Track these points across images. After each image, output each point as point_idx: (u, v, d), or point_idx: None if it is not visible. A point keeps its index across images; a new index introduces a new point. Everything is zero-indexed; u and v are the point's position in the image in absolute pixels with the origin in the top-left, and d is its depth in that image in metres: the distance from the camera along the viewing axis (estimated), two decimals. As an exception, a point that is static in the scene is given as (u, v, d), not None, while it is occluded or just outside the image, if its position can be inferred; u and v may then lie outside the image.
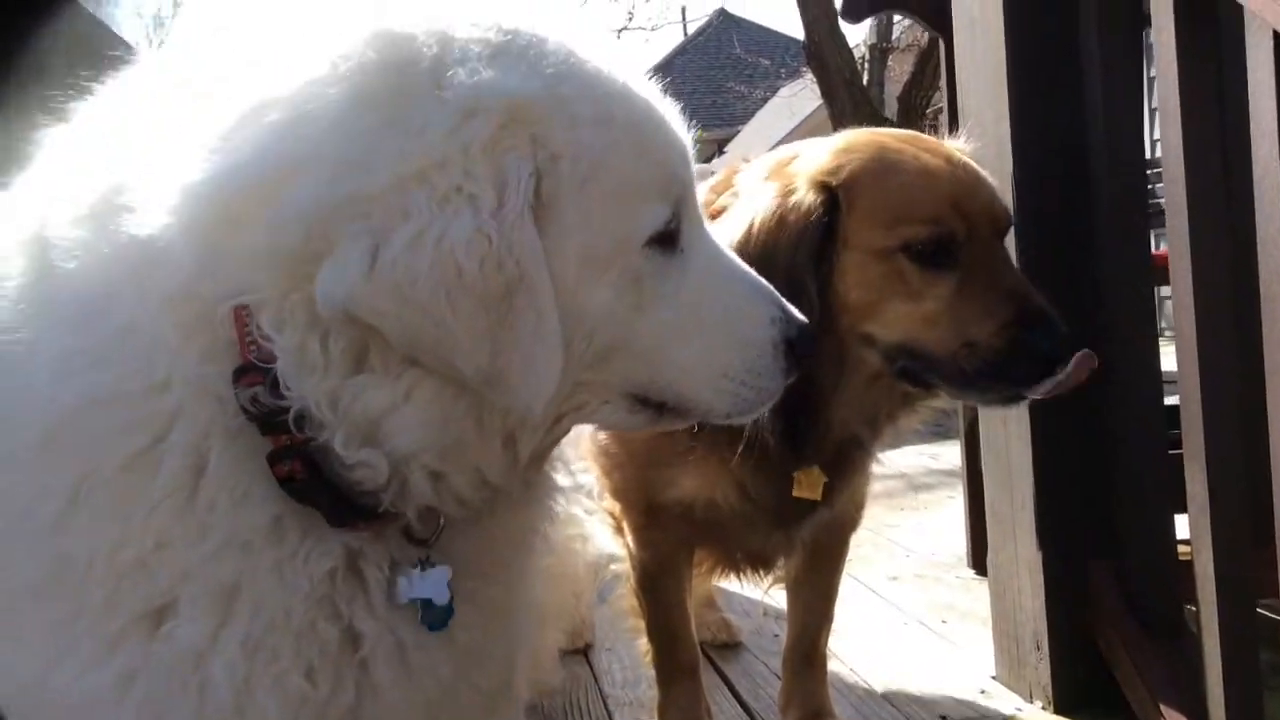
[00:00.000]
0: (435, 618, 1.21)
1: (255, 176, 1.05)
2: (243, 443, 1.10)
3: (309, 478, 1.11)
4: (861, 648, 2.87)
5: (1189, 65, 1.84)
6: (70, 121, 1.24)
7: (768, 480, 1.94)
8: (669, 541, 2.14)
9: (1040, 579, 2.35)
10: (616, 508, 2.20)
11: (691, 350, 1.24)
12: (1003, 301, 1.76)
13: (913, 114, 11.38)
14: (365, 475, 1.12)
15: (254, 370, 1.07)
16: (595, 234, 1.15)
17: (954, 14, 2.59)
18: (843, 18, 5.92)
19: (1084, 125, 2.27)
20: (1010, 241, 2.20)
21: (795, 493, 1.93)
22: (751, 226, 1.81)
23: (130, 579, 1.09)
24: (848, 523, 2.25)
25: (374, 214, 1.03)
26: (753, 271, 1.35)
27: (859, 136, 1.94)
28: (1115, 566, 2.27)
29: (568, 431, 1.30)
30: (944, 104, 3.47)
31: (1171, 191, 1.87)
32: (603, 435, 2.07)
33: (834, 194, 1.81)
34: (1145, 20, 2.02)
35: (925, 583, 3.51)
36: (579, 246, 1.13)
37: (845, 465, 1.99)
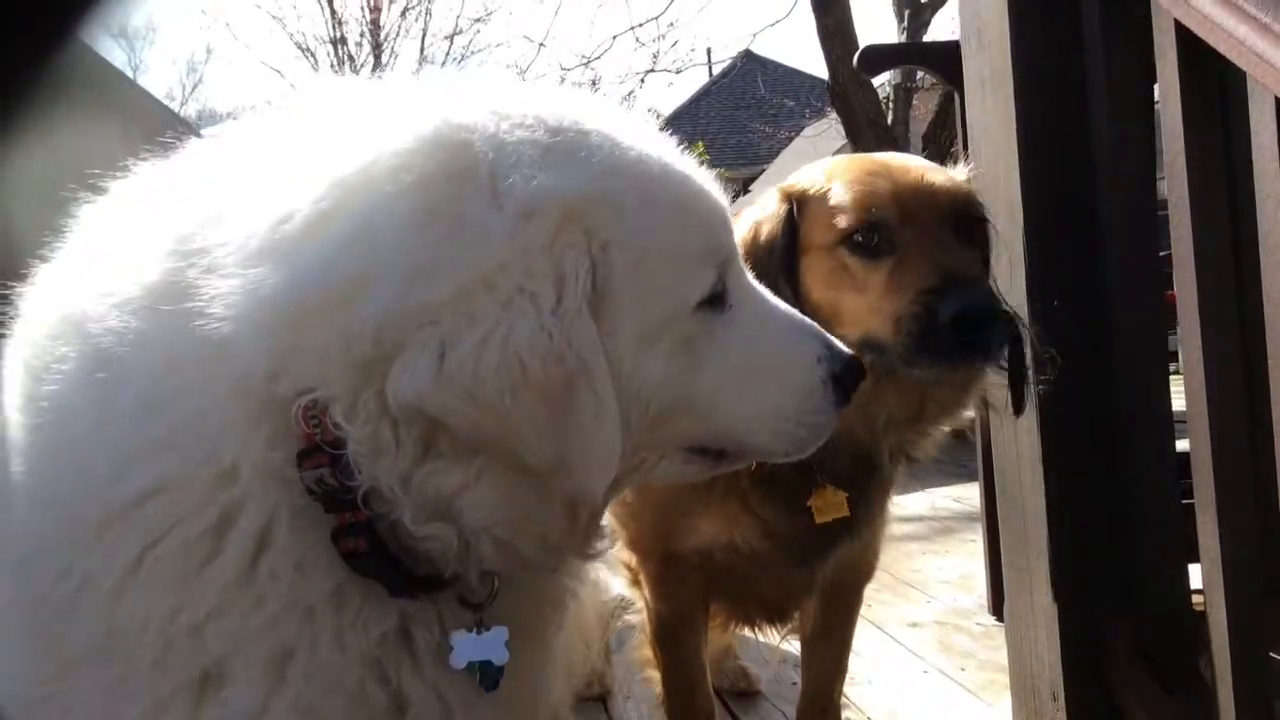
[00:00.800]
0: (492, 678, 1.24)
1: (328, 288, 1.09)
2: (306, 518, 1.14)
3: (371, 550, 1.15)
4: (879, 696, 2.88)
5: (1195, 128, 1.86)
6: (110, 199, 1.28)
7: (785, 511, 1.96)
8: (686, 593, 2.15)
9: (1056, 629, 2.35)
10: (633, 559, 2.22)
11: (745, 399, 1.29)
12: (926, 274, 1.77)
13: (937, 153, 11.34)
14: (433, 546, 1.16)
15: (318, 453, 1.12)
16: (648, 309, 1.20)
17: (965, 73, 2.62)
18: (860, 70, 5.94)
19: (1095, 184, 2.29)
20: (1022, 286, 2.25)
21: (819, 519, 1.93)
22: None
23: (181, 644, 1.12)
24: (864, 570, 2.26)
25: (442, 319, 1.08)
26: (796, 313, 1.40)
27: (831, 158, 2.04)
28: (1130, 617, 2.27)
29: (624, 490, 1.34)
30: (959, 154, 3.50)
31: (1179, 251, 1.90)
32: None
33: (794, 202, 1.91)
34: (1154, 80, 2.05)
35: (945, 629, 3.51)
36: (633, 323, 1.19)
37: (861, 485, 1.99)
